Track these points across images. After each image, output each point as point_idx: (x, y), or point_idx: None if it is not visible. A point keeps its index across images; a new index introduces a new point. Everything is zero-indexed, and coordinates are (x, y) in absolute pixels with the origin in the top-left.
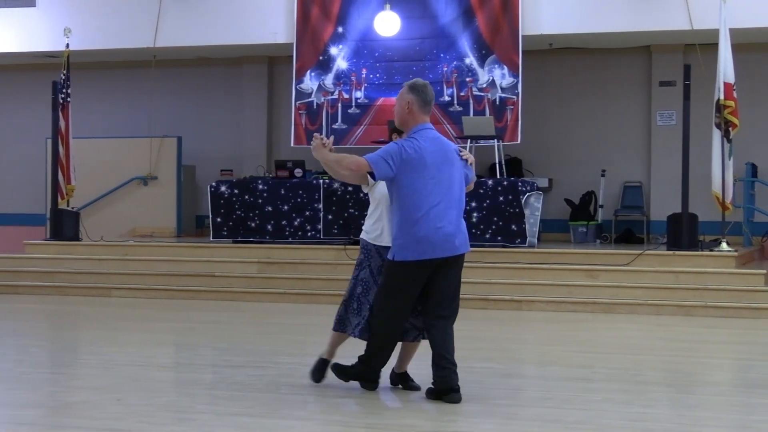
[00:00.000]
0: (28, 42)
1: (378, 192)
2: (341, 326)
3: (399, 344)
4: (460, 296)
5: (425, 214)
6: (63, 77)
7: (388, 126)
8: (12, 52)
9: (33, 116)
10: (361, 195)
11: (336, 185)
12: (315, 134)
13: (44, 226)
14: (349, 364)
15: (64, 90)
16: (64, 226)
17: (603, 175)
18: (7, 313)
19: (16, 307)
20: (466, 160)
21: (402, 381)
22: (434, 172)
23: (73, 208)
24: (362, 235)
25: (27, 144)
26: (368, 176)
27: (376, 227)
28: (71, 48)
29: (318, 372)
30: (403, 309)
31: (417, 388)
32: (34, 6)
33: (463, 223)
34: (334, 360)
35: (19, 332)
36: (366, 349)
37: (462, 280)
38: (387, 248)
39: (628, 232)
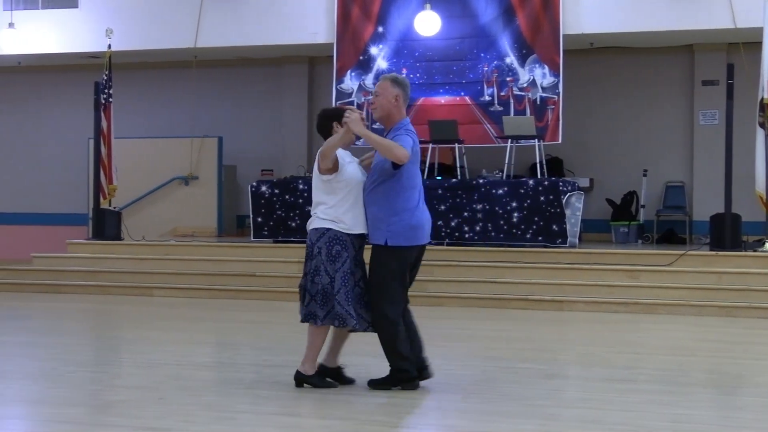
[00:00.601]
0: (71, 43)
1: (352, 179)
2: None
3: (329, 338)
4: (497, 296)
5: (419, 202)
6: (105, 78)
7: (429, 126)
8: (55, 53)
9: (75, 117)
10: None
11: None
12: (350, 107)
13: (86, 225)
14: (382, 376)
15: (106, 90)
16: (105, 225)
17: (645, 175)
18: (49, 312)
19: (59, 306)
20: None
21: (337, 376)
22: (418, 166)
23: (114, 207)
24: (329, 225)
25: (69, 144)
26: (337, 163)
27: (350, 216)
28: (113, 49)
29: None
30: (402, 293)
31: (352, 381)
32: (77, 7)
33: None
34: (370, 377)
35: (61, 331)
36: (386, 350)
37: (504, 279)
38: (361, 236)
39: (671, 233)
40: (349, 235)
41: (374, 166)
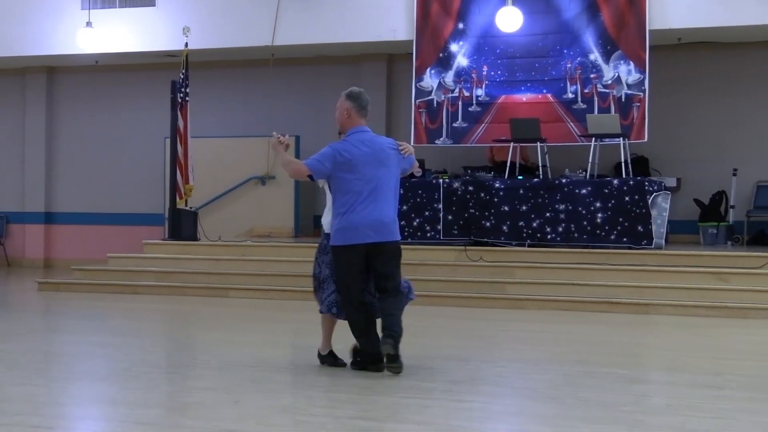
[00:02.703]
0: (148, 41)
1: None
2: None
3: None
4: (579, 298)
5: (351, 207)
6: (182, 76)
7: (510, 124)
8: (132, 51)
9: (152, 116)
10: (420, 192)
11: (456, 185)
12: (274, 132)
13: (162, 225)
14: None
15: (182, 89)
16: (182, 225)
17: (734, 175)
18: (126, 313)
19: (136, 306)
20: (402, 153)
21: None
22: (364, 172)
23: (191, 207)
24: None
25: (146, 143)
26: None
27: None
28: (190, 47)
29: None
30: (350, 286)
31: (343, 365)
32: (154, 5)
33: (392, 215)
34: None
35: (137, 332)
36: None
37: (587, 282)
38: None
39: (762, 234)
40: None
41: None
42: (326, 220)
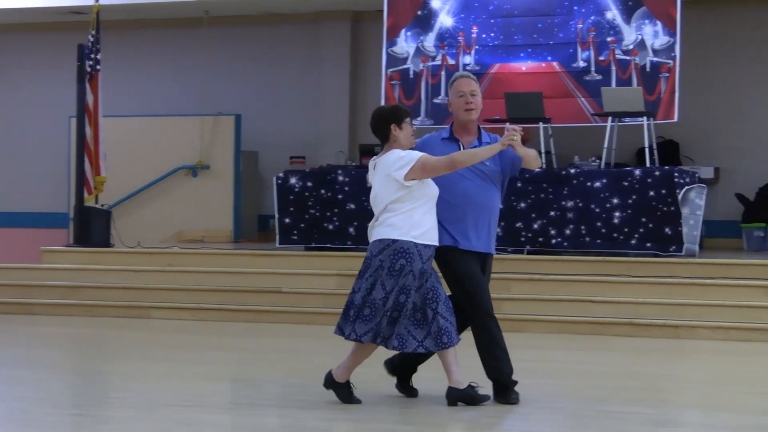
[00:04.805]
0: None
1: (432, 188)
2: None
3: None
4: (593, 319)
5: None
6: (91, 39)
7: (506, 100)
8: (28, 7)
9: (53, 89)
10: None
11: None
12: (511, 126)
13: (67, 228)
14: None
15: (92, 56)
16: (91, 228)
17: None
18: (21, 339)
19: (32, 330)
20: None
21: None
22: None
23: (103, 205)
24: (398, 236)
25: (46, 124)
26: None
27: (426, 222)
28: (101, 2)
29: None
30: (485, 292)
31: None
32: None
33: None
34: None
35: (36, 363)
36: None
37: (603, 298)
38: (429, 247)
39: None
40: (421, 245)
41: (491, 172)
42: (426, 228)
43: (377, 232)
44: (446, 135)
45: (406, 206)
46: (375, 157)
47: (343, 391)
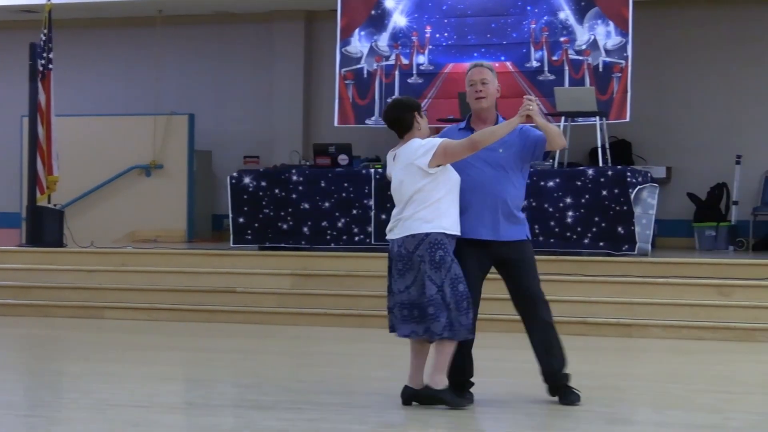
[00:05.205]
0: None
1: (454, 174)
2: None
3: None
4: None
5: None
6: (43, 38)
7: (459, 100)
8: None
9: (5, 88)
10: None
11: None
12: (527, 96)
13: (19, 228)
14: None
15: (44, 55)
16: (44, 228)
17: (738, 163)
18: None
19: None
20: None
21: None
22: None
23: (55, 205)
24: (431, 228)
25: None
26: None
27: (453, 212)
28: (54, 1)
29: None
30: None
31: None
32: None
33: None
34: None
35: None
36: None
37: (556, 297)
38: (455, 237)
39: None
40: (452, 237)
41: (505, 159)
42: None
43: (407, 226)
44: (463, 126)
45: (432, 196)
46: (393, 149)
47: (448, 393)
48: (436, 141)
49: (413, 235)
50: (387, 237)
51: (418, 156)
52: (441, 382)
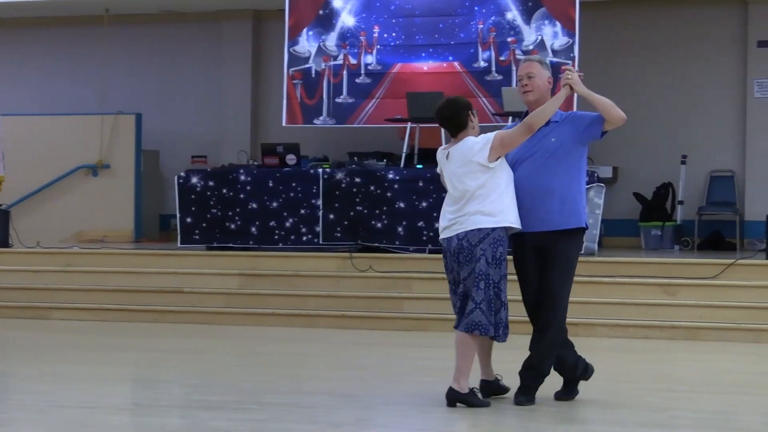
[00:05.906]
0: None
1: (509, 168)
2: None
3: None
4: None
5: None
6: None
7: (408, 99)
8: None
9: None
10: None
11: (339, 176)
12: (568, 67)
13: None
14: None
15: None
16: None
17: (683, 163)
18: None
19: None
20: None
21: (498, 388)
22: None
23: (1, 205)
24: (496, 223)
25: None
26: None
27: (514, 208)
28: None
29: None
30: None
31: (508, 389)
32: None
33: None
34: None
35: None
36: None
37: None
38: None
39: (717, 236)
40: (508, 230)
41: (555, 148)
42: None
43: (474, 221)
44: (519, 120)
45: (495, 191)
46: (444, 147)
47: (496, 385)
48: (490, 135)
49: (479, 229)
50: (443, 236)
51: (475, 152)
52: (465, 386)
